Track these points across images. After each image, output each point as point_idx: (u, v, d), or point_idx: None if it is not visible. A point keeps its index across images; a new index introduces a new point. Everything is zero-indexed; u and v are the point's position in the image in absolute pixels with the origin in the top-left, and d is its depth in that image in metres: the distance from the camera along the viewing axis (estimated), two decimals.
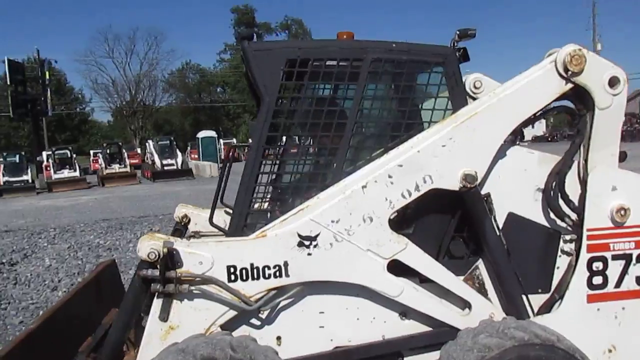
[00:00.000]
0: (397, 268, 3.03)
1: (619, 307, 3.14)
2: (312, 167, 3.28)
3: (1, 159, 28.72)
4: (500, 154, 3.14)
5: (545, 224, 3.21)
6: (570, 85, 3.04)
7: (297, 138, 3.29)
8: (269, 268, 2.90)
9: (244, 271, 2.89)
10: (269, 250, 2.90)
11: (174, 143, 31.45)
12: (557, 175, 3.12)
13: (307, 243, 2.91)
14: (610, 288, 3.13)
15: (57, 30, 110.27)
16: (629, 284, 3.15)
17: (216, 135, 39.83)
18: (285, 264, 2.90)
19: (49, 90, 42.34)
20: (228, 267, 2.87)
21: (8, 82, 37.32)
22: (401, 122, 3.14)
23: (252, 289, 2.90)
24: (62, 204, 19.42)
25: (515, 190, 3.18)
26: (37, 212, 17.37)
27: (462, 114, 3.02)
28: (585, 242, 3.10)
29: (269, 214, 3.11)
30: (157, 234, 2.95)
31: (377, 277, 2.98)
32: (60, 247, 9.66)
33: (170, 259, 2.81)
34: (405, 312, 3.12)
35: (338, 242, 2.93)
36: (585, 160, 3.15)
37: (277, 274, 2.91)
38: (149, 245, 2.79)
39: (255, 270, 2.89)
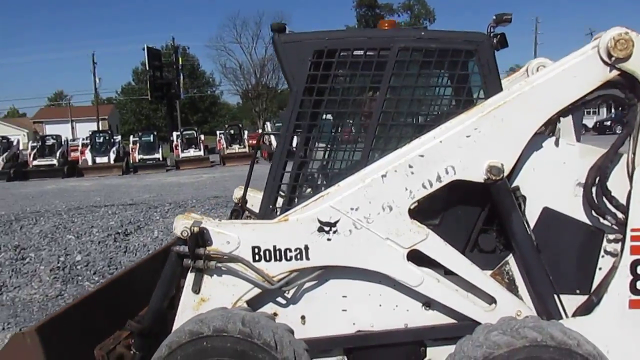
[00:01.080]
0: (423, 258, 3.03)
1: None
2: (340, 155, 3.35)
3: (137, 139, 31.90)
4: (535, 145, 2.99)
5: (587, 221, 3.00)
6: (615, 73, 2.79)
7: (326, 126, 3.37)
8: (290, 251, 3.05)
9: (267, 252, 3.07)
10: (291, 233, 3.05)
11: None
12: (599, 170, 2.89)
13: (326, 229, 3.01)
14: None
15: (191, 18, 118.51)
16: None
17: None
18: (306, 247, 3.04)
19: (182, 74, 46.08)
20: (253, 248, 3.08)
21: (147, 68, 41.24)
22: (430, 113, 3.11)
23: (275, 269, 3.07)
24: (184, 181, 21.20)
25: (552, 184, 3.01)
26: (161, 187, 19.17)
27: (489, 104, 2.91)
28: (629, 243, 2.86)
29: (296, 200, 3.26)
30: (192, 213, 3.24)
31: (396, 266, 3.00)
32: (169, 221, 10.64)
33: (201, 237, 3.08)
34: (429, 302, 3.11)
35: (357, 229, 3.00)
36: (634, 154, 2.88)
37: (298, 256, 3.05)
38: (183, 224, 3.08)
39: (277, 252, 3.06)
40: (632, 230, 2.85)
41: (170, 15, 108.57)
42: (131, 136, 34.38)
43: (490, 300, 3.04)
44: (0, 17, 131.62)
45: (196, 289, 3.16)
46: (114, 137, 32.56)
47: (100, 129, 46.62)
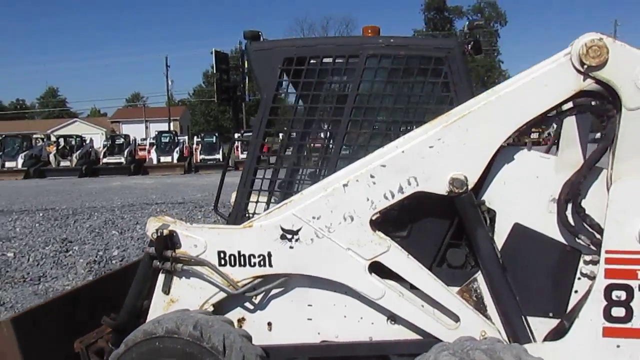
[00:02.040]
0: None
1: None
2: (308, 163, 3.34)
3: (200, 139, 33.05)
4: (507, 157, 2.85)
5: (561, 240, 2.81)
6: (590, 82, 2.60)
7: (294, 134, 3.36)
8: (254, 257, 3.07)
9: (232, 257, 3.10)
10: (255, 240, 3.06)
11: None
12: (573, 185, 2.71)
13: (289, 236, 3.00)
14: (636, 323, 2.63)
15: (260, 22, 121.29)
16: None
17: None
18: (269, 254, 3.04)
19: (248, 77, 47.33)
20: (219, 252, 3.11)
21: (214, 71, 42.66)
22: (399, 120, 3.03)
23: (240, 274, 3.10)
24: (236, 182, 21.66)
25: (524, 200, 2.85)
26: (215, 187, 19.68)
27: (454, 113, 2.79)
28: (602, 266, 2.65)
29: (265, 207, 3.26)
30: (165, 217, 3.33)
31: (357, 278, 2.95)
32: (209, 220, 10.95)
33: (170, 240, 3.16)
34: (395, 316, 3.03)
35: (319, 238, 2.97)
36: (612, 170, 2.67)
37: (262, 263, 3.06)
38: (154, 226, 3.17)
39: (242, 258, 3.09)
40: (607, 252, 2.65)
41: (240, 19, 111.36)
42: (195, 137, 35.65)
43: (457, 318, 2.92)
44: (86, 23, 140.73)
45: (166, 290, 3.24)
46: (178, 138, 33.89)
47: (172, 129, 48.63)
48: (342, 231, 2.94)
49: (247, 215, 3.27)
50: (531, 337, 2.80)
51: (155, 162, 31.11)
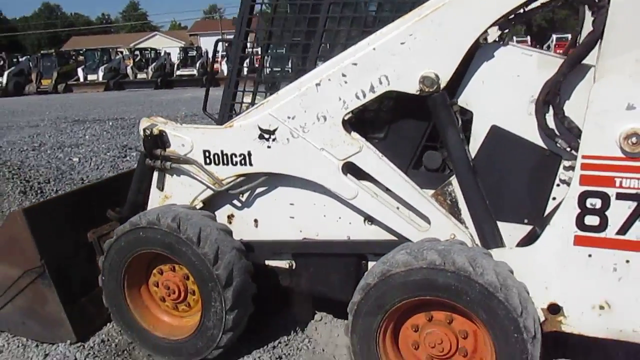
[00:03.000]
0: None
1: (620, 258, 2.48)
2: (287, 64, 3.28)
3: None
4: (486, 54, 2.66)
5: (541, 144, 2.65)
6: None
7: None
8: (235, 156, 3.15)
9: (216, 156, 3.21)
10: (235, 139, 3.13)
11: None
12: (552, 84, 2.50)
13: (266, 136, 3.04)
14: (610, 233, 2.48)
15: None
16: (638, 233, 2.45)
17: None
18: (249, 153, 3.12)
19: None
20: (204, 151, 3.23)
21: None
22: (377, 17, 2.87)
23: (223, 172, 3.21)
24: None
25: (503, 100, 2.68)
26: None
27: (427, 6, 2.60)
28: (578, 171, 2.49)
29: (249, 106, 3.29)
30: (157, 117, 3.45)
31: (331, 177, 2.96)
32: None
33: (160, 140, 3.31)
34: (371, 217, 3.05)
35: (294, 138, 2.99)
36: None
37: (243, 162, 3.15)
38: (145, 127, 3.32)
39: (225, 157, 3.19)
40: (584, 157, 2.47)
41: None
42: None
43: (428, 220, 2.89)
44: None
45: (160, 186, 3.44)
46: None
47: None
48: (315, 131, 2.93)
49: (233, 115, 3.33)
50: (501, 242, 2.74)
51: (225, 74, 31.53)
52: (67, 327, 3.37)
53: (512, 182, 2.76)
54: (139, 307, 3.25)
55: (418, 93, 2.67)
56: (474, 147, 2.78)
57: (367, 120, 3.00)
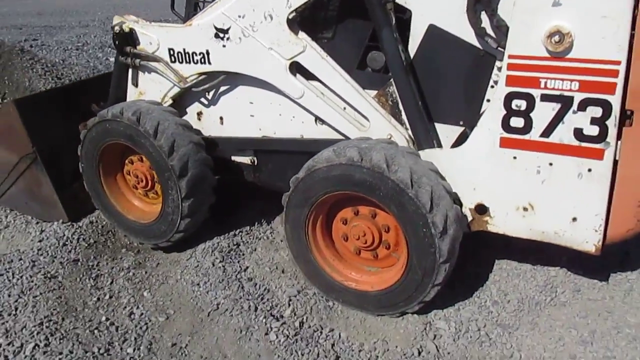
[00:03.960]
0: None
1: (544, 161, 2.50)
2: None
3: None
4: None
5: (476, 43, 2.60)
6: None
7: None
8: (196, 54, 3.27)
9: (179, 54, 3.34)
10: (195, 38, 3.23)
11: None
12: None
13: (221, 35, 3.13)
14: (534, 136, 2.48)
15: None
16: (562, 135, 2.43)
17: None
18: (207, 52, 3.22)
19: None
20: (169, 49, 3.36)
21: None
22: None
23: (187, 70, 3.36)
24: None
25: None
26: None
27: None
28: (504, 72, 2.45)
29: None
30: (130, 15, 3.58)
31: (279, 76, 3.05)
32: None
33: (131, 37, 3.47)
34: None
35: (246, 37, 3.05)
36: None
37: (202, 60, 3.27)
38: (116, 24, 3.47)
39: (187, 55, 3.31)
40: (510, 56, 2.42)
41: None
42: None
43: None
44: None
45: (135, 83, 3.65)
46: None
47: None
48: (263, 30, 2.98)
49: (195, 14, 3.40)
50: (435, 143, 2.78)
51: None
52: (59, 209, 3.79)
53: (448, 83, 2.74)
54: (115, 192, 3.59)
55: None
56: (413, 46, 2.76)
57: (317, 20, 3.00)
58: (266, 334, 2.68)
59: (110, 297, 3.11)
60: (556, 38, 2.27)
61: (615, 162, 2.40)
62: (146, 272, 3.33)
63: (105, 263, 3.44)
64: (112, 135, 3.30)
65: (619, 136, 2.36)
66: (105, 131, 3.31)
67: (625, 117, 2.33)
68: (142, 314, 2.95)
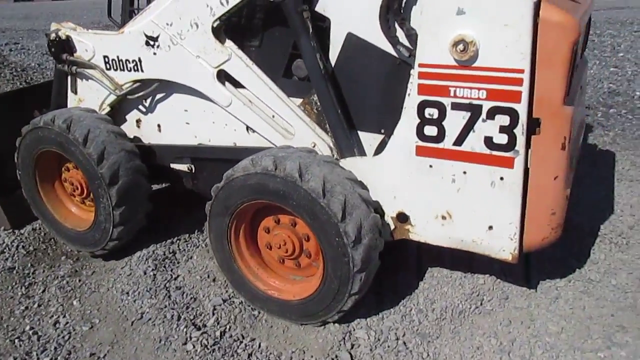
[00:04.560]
0: None
1: (458, 169, 2.49)
2: None
3: None
4: None
5: (392, 51, 2.60)
6: None
7: None
8: (129, 62, 3.27)
9: (114, 61, 3.34)
10: (127, 45, 3.23)
11: None
12: None
13: (151, 43, 3.12)
14: (447, 144, 2.48)
15: None
16: (474, 144, 2.42)
17: None
18: (139, 59, 3.22)
19: None
20: (104, 57, 3.36)
21: None
22: None
23: (122, 78, 3.36)
24: None
25: (356, 6, 2.60)
26: None
27: None
28: (416, 80, 2.45)
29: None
30: (68, 22, 3.57)
31: (208, 84, 3.04)
32: None
33: (68, 45, 3.46)
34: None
35: (174, 45, 3.05)
36: None
37: (135, 68, 3.26)
38: (52, 31, 3.47)
39: (120, 62, 3.31)
40: (420, 65, 2.42)
41: None
42: None
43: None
44: None
45: (74, 90, 3.65)
46: None
47: None
48: (191, 38, 2.98)
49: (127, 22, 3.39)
50: (357, 151, 2.77)
51: None
52: (1, 216, 3.77)
53: (368, 92, 2.74)
54: (53, 200, 3.58)
55: (271, 0, 2.64)
56: (333, 54, 2.75)
57: (245, 28, 3.00)
58: (184, 343, 2.66)
59: (39, 305, 3.09)
60: (460, 47, 2.27)
61: (527, 171, 2.40)
62: (80, 281, 3.31)
63: (41, 271, 3.43)
64: (44, 142, 3.29)
65: (528, 144, 2.36)
66: (37, 139, 3.30)
67: (534, 125, 2.33)
68: (67, 323, 2.93)
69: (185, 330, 2.75)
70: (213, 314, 2.88)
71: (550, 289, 2.96)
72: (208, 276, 3.21)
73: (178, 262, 3.36)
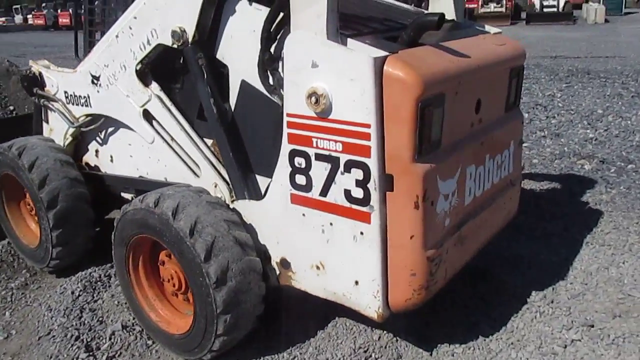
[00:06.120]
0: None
1: (326, 220, 2.49)
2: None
3: None
4: (229, 10, 2.71)
5: (275, 98, 2.67)
6: None
7: None
8: (81, 98, 3.58)
9: (71, 96, 3.67)
10: (79, 82, 3.54)
11: None
12: (261, 36, 2.50)
13: (95, 82, 3.41)
14: (315, 194, 2.49)
15: None
16: (336, 196, 2.42)
17: None
18: (88, 96, 3.52)
19: None
20: (64, 92, 3.71)
21: None
22: None
23: (77, 112, 3.67)
24: None
25: (247, 55, 2.71)
26: None
27: None
28: (285, 129, 2.50)
29: None
30: (44, 60, 3.98)
31: (136, 122, 3.26)
32: None
33: (41, 79, 3.86)
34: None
35: (111, 84, 3.31)
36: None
37: (85, 103, 3.57)
38: (28, 68, 3.88)
39: (75, 98, 3.63)
40: (287, 114, 2.47)
41: None
42: None
43: None
44: None
45: (46, 120, 4.02)
46: None
47: None
48: (121, 79, 3.22)
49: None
50: (250, 194, 2.83)
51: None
52: None
53: (260, 137, 2.81)
54: (16, 217, 3.95)
55: (176, 47, 2.82)
56: (232, 100, 2.87)
57: (169, 71, 3.19)
58: None
59: None
60: (313, 99, 2.30)
61: (386, 228, 2.35)
62: (22, 294, 3.60)
63: None
64: (2, 166, 3.65)
65: (384, 201, 2.31)
66: (0, 162, 3.68)
67: (389, 181, 2.29)
68: None
69: (76, 351, 2.90)
70: (110, 339, 3.01)
71: (446, 355, 2.80)
72: (126, 302, 3.36)
73: (108, 286, 3.55)
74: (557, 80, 10.36)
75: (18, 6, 46.17)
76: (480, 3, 28.33)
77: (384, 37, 2.53)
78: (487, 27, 3.27)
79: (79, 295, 3.41)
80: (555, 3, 26.98)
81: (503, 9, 27.65)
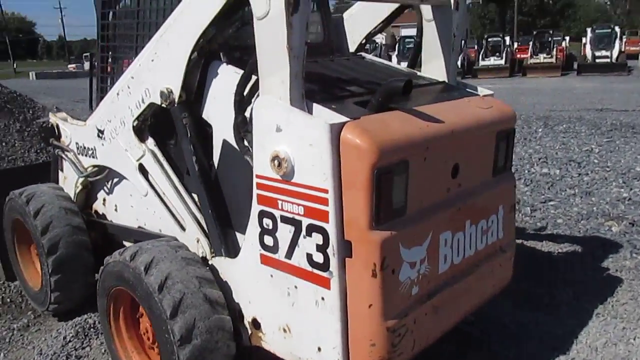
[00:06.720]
0: None
1: (291, 283, 2.48)
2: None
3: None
4: (213, 72, 2.82)
5: (248, 159, 2.71)
6: None
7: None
8: (89, 149, 3.77)
9: (81, 148, 3.86)
10: (87, 135, 3.74)
11: (616, 32, 26.93)
12: (239, 100, 2.57)
13: (100, 135, 3.59)
14: (281, 256, 2.49)
15: None
16: (299, 259, 2.41)
17: None
18: (94, 148, 3.70)
19: None
20: (76, 143, 3.91)
21: None
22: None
23: (86, 162, 3.86)
24: None
25: (228, 115, 2.78)
26: None
27: (164, 26, 2.85)
28: (255, 191, 2.53)
29: None
30: (62, 113, 4.22)
31: (133, 175, 3.39)
32: None
33: (58, 131, 4.09)
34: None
35: (113, 139, 3.48)
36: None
37: (92, 155, 3.75)
38: (45, 120, 4.13)
39: (85, 149, 3.82)
40: (257, 176, 2.50)
41: None
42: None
43: None
44: None
45: (60, 168, 4.24)
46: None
47: None
48: (121, 134, 3.38)
49: None
50: (222, 251, 2.84)
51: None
52: None
53: (239, 195, 2.85)
54: (26, 260, 4.15)
55: (164, 106, 2.94)
56: (216, 159, 2.94)
57: (163, 127, 3.32)
58: None
59: None
60: (276, 162, 2.34)
61: (346, 295, 2.30)
62: (21, 335, 3.72)
63: (3, 321, 3.90)
64: (14, 212, 3.85)
65: (343, 267, 2.28)
66: (11, 208, 3.89)
67: (347, 248, 2.26)
68: None
69: None
70: None
71: None
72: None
73: (100, 334, 3.61)
74: (598, 135, 10.01)
75: (88, 54, 49.68)
76: (530, 54, 28.05)
77: (357, 101, 2.55)
78: (479, 89, 3.23)
79: (70, 341, 3.49)
80: (608, 53, 26.31)
81: (553, 60, 27.22)
